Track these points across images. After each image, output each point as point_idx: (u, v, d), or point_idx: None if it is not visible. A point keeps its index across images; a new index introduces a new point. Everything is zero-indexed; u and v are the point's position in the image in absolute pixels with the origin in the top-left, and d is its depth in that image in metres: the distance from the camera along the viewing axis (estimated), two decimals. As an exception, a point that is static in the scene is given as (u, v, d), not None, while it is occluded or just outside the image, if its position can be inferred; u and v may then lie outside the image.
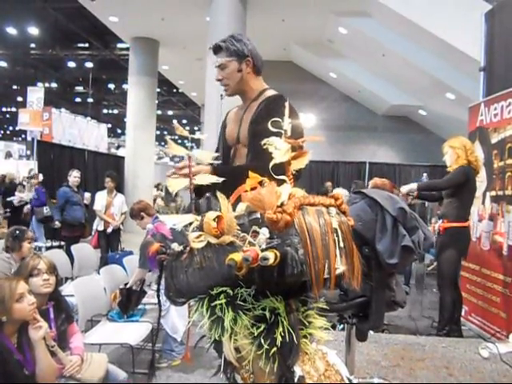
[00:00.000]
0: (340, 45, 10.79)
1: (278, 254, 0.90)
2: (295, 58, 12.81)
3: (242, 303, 0.96)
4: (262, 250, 0.92)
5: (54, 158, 8.34)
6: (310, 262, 0.94)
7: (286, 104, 1.22)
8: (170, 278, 1.05)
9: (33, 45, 16.51)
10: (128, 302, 3.48)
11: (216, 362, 3.48)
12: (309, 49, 11.47)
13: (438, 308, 4.07)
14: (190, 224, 1.09)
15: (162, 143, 34.09)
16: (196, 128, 30.88)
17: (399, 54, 9.18)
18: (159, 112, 20.00)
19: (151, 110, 11.51)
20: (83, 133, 10.61)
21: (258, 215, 1.03)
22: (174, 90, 21.27)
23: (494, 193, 3.78)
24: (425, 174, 4.79)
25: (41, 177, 7.26)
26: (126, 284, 3.71)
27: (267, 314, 0.97)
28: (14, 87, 21.85)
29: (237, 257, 0.90)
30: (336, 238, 1.04)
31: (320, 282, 0.95)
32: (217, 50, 1.84)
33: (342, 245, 1.05)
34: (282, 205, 0.97)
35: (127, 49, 12.57)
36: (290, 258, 0.92)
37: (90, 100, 22.07)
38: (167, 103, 23.74)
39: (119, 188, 7.63)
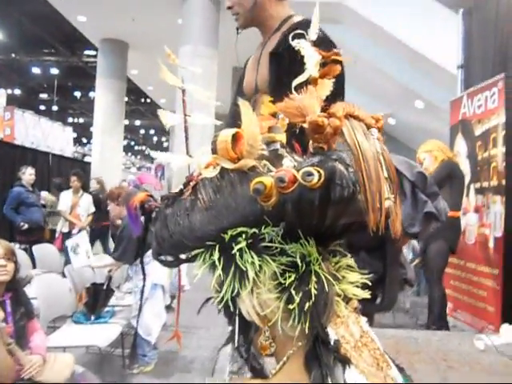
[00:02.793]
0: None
1: (323, 172, 0.68)
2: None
3: (269, 244, 0.73)
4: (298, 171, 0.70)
5: (15, 161, 7.84)
6: (364, 180, 0.72)
7: (316, 9, 0.98)
8: (164, 228, 0.79)
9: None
10: (95, 302, 3.20)
11: (192, 366, 3.25)
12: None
13: (417, 306, 4.01)
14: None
15: (130, 153, 33.39)
16: (164, 139, 30.41)
17: (370, 62, 9.25)
18: (126, 122, 19.52)
19: (119, 114, 11.15)
20: (48, 135, 10.07)
21: (278, 146, 0.82)
22: (142, 100, 20.85)
23: (478, 185, 3.72)
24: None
25: None
26: (93, 283, 3.41)
27: (298, 260, 0.74)
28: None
29: (266, 180, 0.68)
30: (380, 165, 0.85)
31: (376, 207, 0.73)
32: None
33: (386, 174, 0.85)
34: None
35: (95, 56, 12.16)
36: (338, 175, 0.69)
37: (55, 108, 21.34)
38: (135, 113, 23.28)
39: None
